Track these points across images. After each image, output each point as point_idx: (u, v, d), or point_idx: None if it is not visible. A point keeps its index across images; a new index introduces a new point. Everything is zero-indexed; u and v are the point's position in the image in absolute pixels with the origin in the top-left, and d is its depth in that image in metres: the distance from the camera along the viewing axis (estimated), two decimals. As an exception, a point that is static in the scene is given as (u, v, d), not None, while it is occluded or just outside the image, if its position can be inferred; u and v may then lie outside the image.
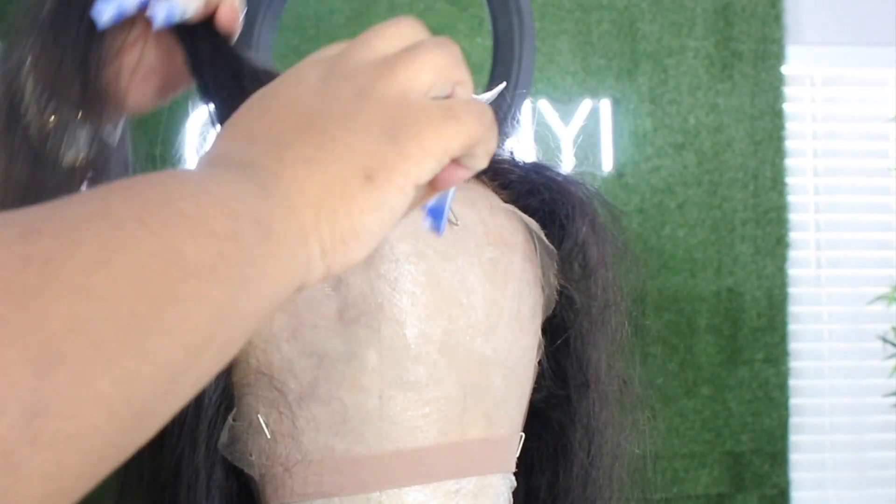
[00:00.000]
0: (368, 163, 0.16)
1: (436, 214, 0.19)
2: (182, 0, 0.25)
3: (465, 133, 0.17)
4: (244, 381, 0.24)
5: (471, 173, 0.18)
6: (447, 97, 0.18)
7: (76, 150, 0.27)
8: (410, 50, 0.18)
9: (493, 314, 0.24)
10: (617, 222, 0.27)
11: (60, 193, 0.24)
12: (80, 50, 0.26)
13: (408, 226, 0.24)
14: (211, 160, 0.16)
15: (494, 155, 0.26)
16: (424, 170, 0.17)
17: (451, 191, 0.19)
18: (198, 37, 0.26)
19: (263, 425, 0.23)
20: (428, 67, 0.17)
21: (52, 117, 0.27)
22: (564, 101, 1.12)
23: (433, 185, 0.18)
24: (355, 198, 0.16)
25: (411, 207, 0.18)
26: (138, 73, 0.27)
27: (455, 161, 0.18)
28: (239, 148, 0.16)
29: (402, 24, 0.19)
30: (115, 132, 0.28)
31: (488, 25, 0.37)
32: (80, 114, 0.27)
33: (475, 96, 0.26)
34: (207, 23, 0.26)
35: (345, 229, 0.16)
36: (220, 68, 0.26)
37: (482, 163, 0.18)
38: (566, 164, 1.10)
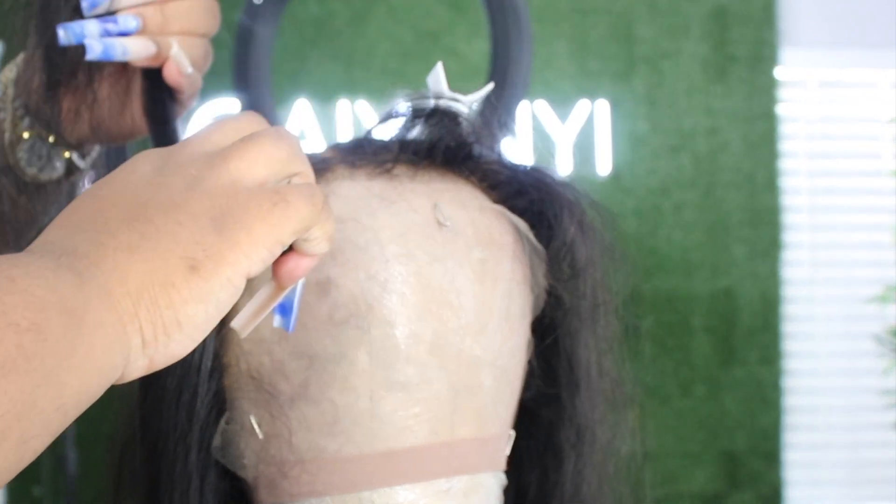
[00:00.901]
0: (194, 253, 0.16)
1: (284, 311, 0.19)
2: (122, 42, 0.25)
3: (296, 218, 0.17)
4: (236, 384, 0.24)
5: (314, 261, 0.18)
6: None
7: (40, 167, 0.27)
8: (245, 140, 0.18)
9: (482, 314, 0.24)
10: (606, 223, 0.27)
11: (16, 207, 0.24)
12: (51, 73, 0.26)
13: (397, 227, 0.24)
14: (32, 248, 0.16)
15: (484, 156, 0.27)
16: (255, 260, 0.16)
17: (300, 285, 0.19)
18: (152, 81, 0.27)
19: (256, 427, 0.24)
20: (263, 158, 0.17)
21: (25, 133, 0.27)
22: (561, 103, 1.13)
23: (279, 280, 0.18)
24: (179, 288, 0.16)
25: (267, 307, 0.18)
26: (114, 105, 0.27)
27: (296, 251, 0.18)
28: (63, 236, 0.16)
29: (243, 118, 0.19)
30: (87, 159, 0.28)
31: (487, 28, 0.37)
32: (50, 135, 0.27)
33: (463, 97, 0.26)
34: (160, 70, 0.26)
35: (167, 320, 0.16)
36: (156, 120, 0.26)
37: (322, 246, 0.18)
38: (563, 166, 1.11)
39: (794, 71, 1.20)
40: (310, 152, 0.26)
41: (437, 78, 0.26)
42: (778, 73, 1.18)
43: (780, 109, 1.19)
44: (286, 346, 0.23)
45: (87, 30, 0.25)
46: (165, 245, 0.16)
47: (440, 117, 0.26)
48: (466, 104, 0.26)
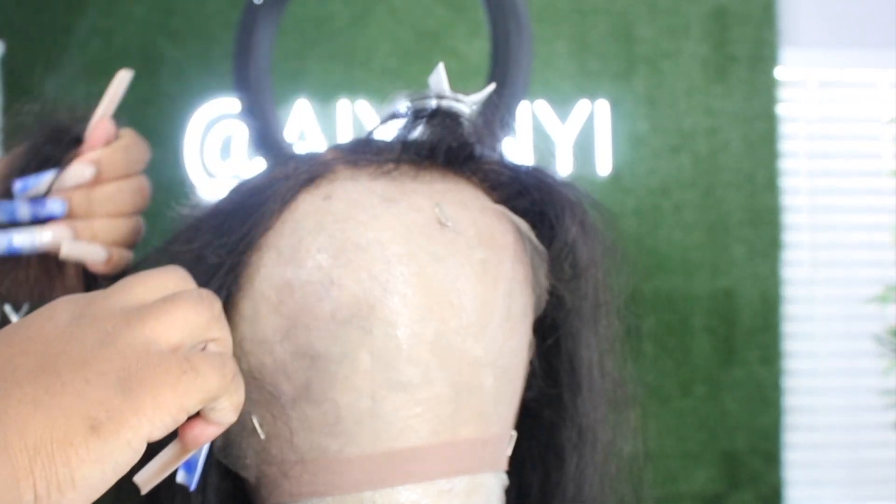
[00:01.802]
0: (96, 413, 0.16)
1: (189, 468, 0.19)
2: (22, 237, 0.25)
3: (204, 388, 0.17)
4: None
5: (221, 429, 0.18)
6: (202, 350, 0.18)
7: None
8: (166, 301, 0.18)
9: (483, 314, 0.24)
10: (607, 223, 0.27)
11: None
12: None
13: (398, 227, 0.24)
14: None
15: (485, 156, 0.27)
16: (157, 425, 0.17)
17: (205, 447, 0.19)
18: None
19: (258, 427, 0.24)
20: (181, 321, 0.17)
21: None
22: (562, 103, 1.13)
23: (184, 443, 0.18)
24: (77, 447, 0.16)
25: (171, 465, 0.18)
26: (43, 283, 0.27)
27: (203, 418, 0.18)
28: None
29: (167, 274, 0.19)
30: (21, 311, 0.28)
31: (487, 28, 0.37)
32: None
33: (464, 97, 0.26)
34: None
35: (62, 478, 0.16)
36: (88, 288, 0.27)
37: (229, 416, 0.18)
38: (563, 166, 1.11)
39: (794, 71, 1.20)
40: (311, 152, 0.26)
41: (439, 78, 0.26)
42: (778, 73, 1.18)
43: (780, 109, 1.19)
44: (288, 346, 0.23)
45: (17, 211, 0.25)
46: (69, 402, 0.16)
47: (442, 118, 0.26)
48: (468, 105, 0.26)
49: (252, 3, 0.37)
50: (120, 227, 0.27)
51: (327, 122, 1.13)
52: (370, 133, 0.27)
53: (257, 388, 0.24)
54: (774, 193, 1.15)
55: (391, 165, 0.25)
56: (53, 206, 0.26)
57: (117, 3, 1.11)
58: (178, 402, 0.17)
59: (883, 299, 1.04)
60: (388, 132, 0.27)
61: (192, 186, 1.08)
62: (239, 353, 0.24)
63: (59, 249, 0.26)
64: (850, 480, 1.14)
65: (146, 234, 0.28)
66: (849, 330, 1.16)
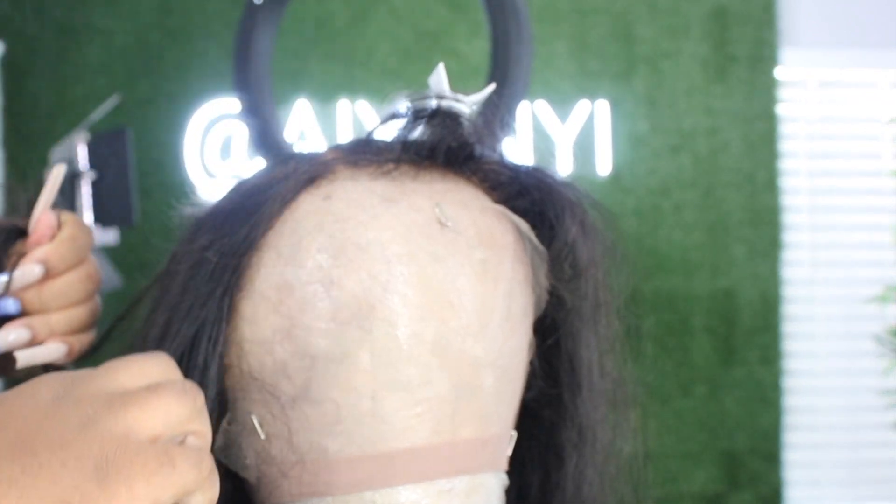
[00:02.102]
0: (70, 498, 0.16)
1: None
2: None
3: (179, 483, 0.17)
4: (238, 384, 0.24)
5: None
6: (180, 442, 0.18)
7: None
8: (150, 390, 0.18)
9: (483, 315, 0.24)
10: (608, 223, 0.27)
11: None
12: None
13: (398, 227, 0.24)
14: None
15: (485, 156, 0.27)
16: None
17: None
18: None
19: (258, 427, 0.24)
20: (162, 412, 0.17)
21: None
22: (561, 103, 1.13)
23: None
24: None
25: None
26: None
27: None
28: None
29: (153, 361, 0.19)
30: None
31: (487, 28, 0.37)
32: None
33: (465, 97, 0.26)
34: None
35: None
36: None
37: None
38: (563, 166, 1.11)
39: (794, 71, 1.20)
40: (311, 152, 0.26)
41: (439, 78, 0.26)
42: (778, 73, 1.18)
43: (780, 109, 1.19)
44: (288, 346, 0.23)
45: None
46: (44, 485, 0.16)
47: (442, 118, 0.26)
48: (468, 105, 0.26)
49: (252, 3, 0.37)
50: (76, 317, 0.28)
51: (327, 122, 1.13)
52: (370, 133, 0.27)
53: (257, 388, 0.24)
54: (774, 193, 1.15)
55: (391, 165, 0.25)
56: (7, 306, 0.26)
57: (117, 2, 1.11)
58: (153, 495, 0.17)
59: (883, 299, 1.04)
60: (388, 132, 0.27)
61: (192, 186, 1.08)
62: (239, 353, 0.24)
63: (15, 354, 0.26)
64: (850, 480, 1.14)
65: (146, 234, 0.28)
66: (849, 330, 1.16)
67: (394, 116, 0.27)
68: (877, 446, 1.14)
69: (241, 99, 0.45)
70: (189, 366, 0.23)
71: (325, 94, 1.13)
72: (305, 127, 1.13)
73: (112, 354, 0.25)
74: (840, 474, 1.15)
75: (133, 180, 0.44)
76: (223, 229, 0.24)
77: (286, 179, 0.24)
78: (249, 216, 0.24)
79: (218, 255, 0.23)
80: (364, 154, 0.25)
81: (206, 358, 0.23)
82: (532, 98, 1.11)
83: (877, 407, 1.08)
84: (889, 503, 1.10)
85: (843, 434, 1.15)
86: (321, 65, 1.14)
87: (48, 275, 0.27)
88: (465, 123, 0.26)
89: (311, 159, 0.26)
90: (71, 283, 0.27)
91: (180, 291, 0.24)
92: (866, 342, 1.07)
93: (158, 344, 0.23)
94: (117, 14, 1.10)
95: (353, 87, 1.13)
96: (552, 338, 0.26)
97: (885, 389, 1.06)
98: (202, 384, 0.23)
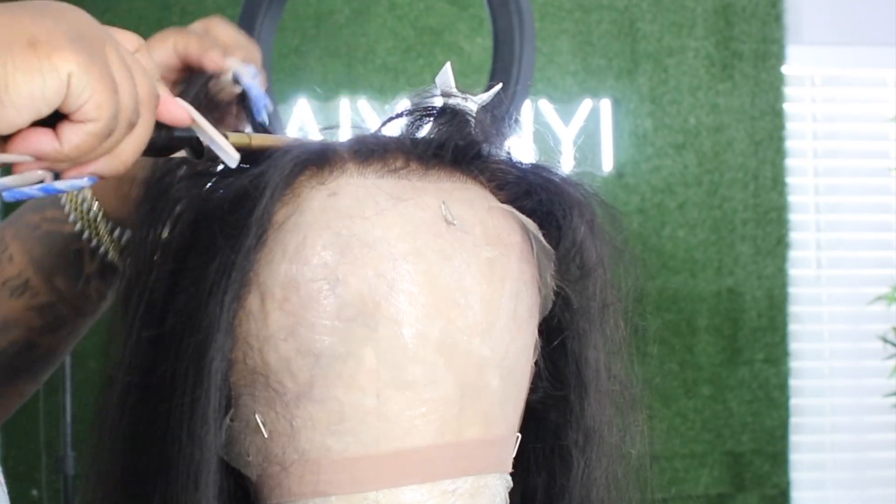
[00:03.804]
0: (38, 35, 0.19)
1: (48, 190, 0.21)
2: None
3: (131, 82, 0.20)
4: (241, 381, 0.24)
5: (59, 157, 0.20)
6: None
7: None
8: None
9: (490, 314, 0.24)
10: (615, 223, 0.26)
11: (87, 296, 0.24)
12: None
13: (405, 225, 0.24)
14: None
15: (492, 155, 0.26)
16: (84, 71, 0.19)
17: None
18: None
19: (261, 425, 0.23)
20: (142, 58, 0.22)
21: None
22: (565, 101, 1.12)
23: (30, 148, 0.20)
24: (14, 56, 0.19)
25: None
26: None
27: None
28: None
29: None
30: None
31: (489, 25, 0.37)
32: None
33: (472, 96, 0.26)
34: None
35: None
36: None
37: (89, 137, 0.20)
38: (566, 164, 1.10)
39: (799, 68, 1.19)
40: (319, 148, 0.26)
41: (446, 77, 0.26)
42: (783, 70, 1.17)
43: (786, 107, 1.18)
44: (293, 343, 0.23)
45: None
46: (23, 22, 0.19)
47: (449, 116, 0.26)
48: (475, 104, 0.26)
49: (252, 0, 0.37)
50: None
51: (328, 120, 1.13)
52: (378, 131, 0.27)
53: (262, 385, 0.23)
54: (780, 191, 1.15)
55: (399, 163, 0.25)
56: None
57: (116, 1, 1.11)
58: (108, 68, 0.20)
59: (889, 298, 1.04)
60: (395, 130, 0.26)
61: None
62: (244, 349, 0.24)
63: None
64: (857, 481, 1.14)
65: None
66: (855, 329, 1.16)
67: (402, 114, 0.26)
68: (884, 447, 1.13)
69: (240, 96, 0.45)
70: (195, 360, 0.23)
71: (325, 92, 1.13)
72: (306, 125, 1.12)
73: (113, 347, 0.25)
74: (846, 475, 1.14)
75: None
76: (227, 221, 0.24)
77: (285, 154, 0.24)
78: (253, 204, 0.23)
79: (225, 248, 0.23)
80: (372, 152, 0.25)
81: (211, 353, 0.23)
82: (535, 96, 1.10)
83: (883, 407, 1.08)
84: (895, 504, 1.10)
85: (850, 435, 1.14)
86: (321, 62, 1.13)
87: None
88: (473, 122, 0.26)
89: (318, 156, 0.25)
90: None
91: (189, 284, 0.23)
92: (873, 342, 1.07)
93: (168, 337, 0.23)
94: (115, 11, 1.10)
95: (354, 85, 1.13)
96: (558, 339, 0.26)
97: (891, 390, 1.05)
98: (208, 379, 0.23)
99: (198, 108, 0.24)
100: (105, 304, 0.32)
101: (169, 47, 0.29)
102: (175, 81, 0.30)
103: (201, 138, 0.24)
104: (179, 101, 0.23)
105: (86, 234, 0.30)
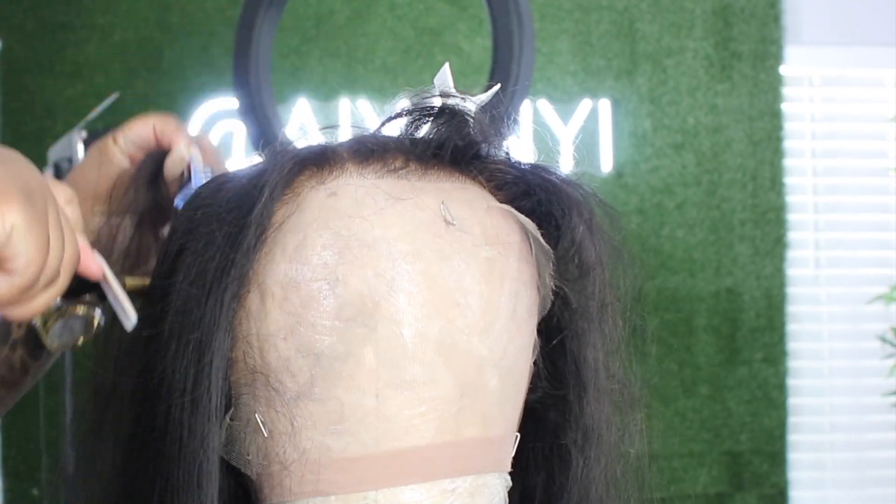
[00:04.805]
0: None
1: None
2: None
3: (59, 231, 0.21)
4: (241, 380, 0.24)
5: None
6: None
7: (66, 339, 0.29)
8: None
9: (489, 314, 0.24)
10: (614, 222, 0.27)
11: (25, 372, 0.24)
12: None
13: (405, 225, 0.24)
14: None
15: (491, 155, 0.26)
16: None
17: None
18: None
19: (261, 424, 0.23)
20: (60, 194, 0.24)
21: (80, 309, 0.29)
22: (564, 101, 1.12)
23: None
24: None
25: None
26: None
27: None
28: None
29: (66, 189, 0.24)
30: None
31: (488, 25, 0.37)
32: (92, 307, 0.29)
33: (471, 97, 0.26)
34: None
35: None
36: None
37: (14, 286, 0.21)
38: (565, 164, 1.10)
39: (798, 68, 1.20)
40: (319, 148, 0.26)
41: (445, 78, 0.26)
42: (782, 70, 1.17)
43: (785, 107, 1.18)
44: (292, 343, 0.23)
45: None
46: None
47: (448, 117, 0.26)
48: (474, 104, 0.26)
49: (251, 1, 0.37)
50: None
51: (328, 120, 1.12)
52: (377, 131, 0.27)
53: (262, 384, 0.23)
54: (778, 191, 1.15)
55: (399, 163, 0.25)
56: None
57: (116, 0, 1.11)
58: (46, 227, 0.20)
59: (888, 298, 1.04)
60: (394, 130, 0.26)
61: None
62: (244, 349, 0.24)
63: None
64: (856, 481, 1.14)
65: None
66: (854, 329, 1.16)
67: (401, 114, 0.26)
68: (882, 447, 1.14)
69: (240, 97, 0.45)
70: (195, 359, 0.23)
71: (325, 93, 1.13)
72: (306, 125, 1.12)
73: (116, 347, 0.25)
74: (845, 475, 1.14)
75: None
76: (227, 221, 0.24)
77: (286, 153, 0.24)
78: (252, 203, 0.23)
79: (225, 248, 0.23)
80: (371, 152, 0.25)
81: (211, 351, 0.23)
82: (534, 95, 1.10)
83: (882, 407, 1.08)
84: None
85: (849, 434, 1.14)
86: (321, 62, 1.13)
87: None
88: (472, 122, 0.26)
89: (319, 156, 0.25)
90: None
91: (189, 284, 0.23)
92: (871, 341, 1.07)
93: (167, 336, 0.23)
94: (116, 11, 1.10)
95: (353, 85, 1.13)
96: (557, 339, 0.26)
97: (890, 389, 1.06)
98: (208, 379, 0.23)
99: (147, 175, 0.25)
100: (29, 380, 0.31)
101: (149, 127, 0.32)
102: (146, 154, 0.32)
103: (107, 294, 0.25)
104: (96, 256, 0.24)
105: None
